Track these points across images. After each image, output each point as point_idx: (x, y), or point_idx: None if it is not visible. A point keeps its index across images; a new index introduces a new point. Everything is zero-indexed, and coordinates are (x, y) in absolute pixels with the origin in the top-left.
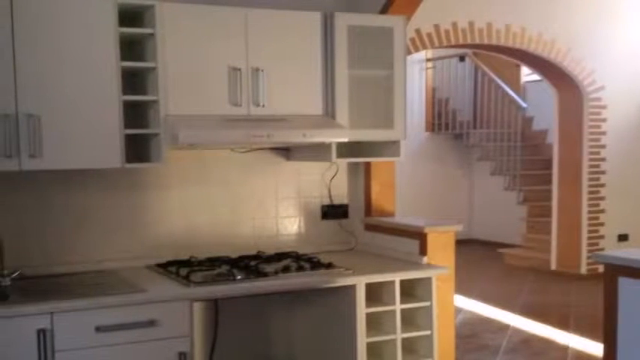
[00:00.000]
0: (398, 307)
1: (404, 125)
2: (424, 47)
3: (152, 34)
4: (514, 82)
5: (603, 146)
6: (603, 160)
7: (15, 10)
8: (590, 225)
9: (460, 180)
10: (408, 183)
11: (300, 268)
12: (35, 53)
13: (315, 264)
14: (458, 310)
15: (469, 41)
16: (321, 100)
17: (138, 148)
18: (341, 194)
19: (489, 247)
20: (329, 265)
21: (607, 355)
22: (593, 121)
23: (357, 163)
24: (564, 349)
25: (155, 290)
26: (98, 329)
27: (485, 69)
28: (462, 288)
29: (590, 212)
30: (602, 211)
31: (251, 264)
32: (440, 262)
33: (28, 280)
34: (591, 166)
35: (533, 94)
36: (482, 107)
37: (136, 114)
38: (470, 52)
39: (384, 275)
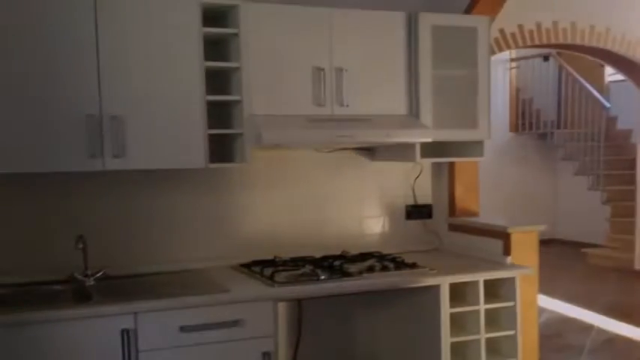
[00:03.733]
0: (482, 307)
1: (488, 125)
2: (508, 47)
3: (236, 34)
4: (598, 81)
5: None
6: None
7: (99, 11)
8: None
9: (544, 180)
10: (492, 183)
11: (384, 268)
12: (119, 54)
13: (399, 264)
14: (541, 310)
15: (553, 41)
16: (405, 100)
17: (221, 148)
18: (425, 194)
19: (573, 247)
20: (413, 265)
21: None
22: None
23: (440, 163)
24: None
25: (239, 290)
26: (182, 329)
27: (569, 69)
28: (546, 288)
29: None
30: None
31: (335, 264)
32: (523, 262)
33: (111, 280)
34: None
35: (617, 94)
36: (566, 107)
37: (219, 114)
38: (554, 52)
39: (468, 275)
